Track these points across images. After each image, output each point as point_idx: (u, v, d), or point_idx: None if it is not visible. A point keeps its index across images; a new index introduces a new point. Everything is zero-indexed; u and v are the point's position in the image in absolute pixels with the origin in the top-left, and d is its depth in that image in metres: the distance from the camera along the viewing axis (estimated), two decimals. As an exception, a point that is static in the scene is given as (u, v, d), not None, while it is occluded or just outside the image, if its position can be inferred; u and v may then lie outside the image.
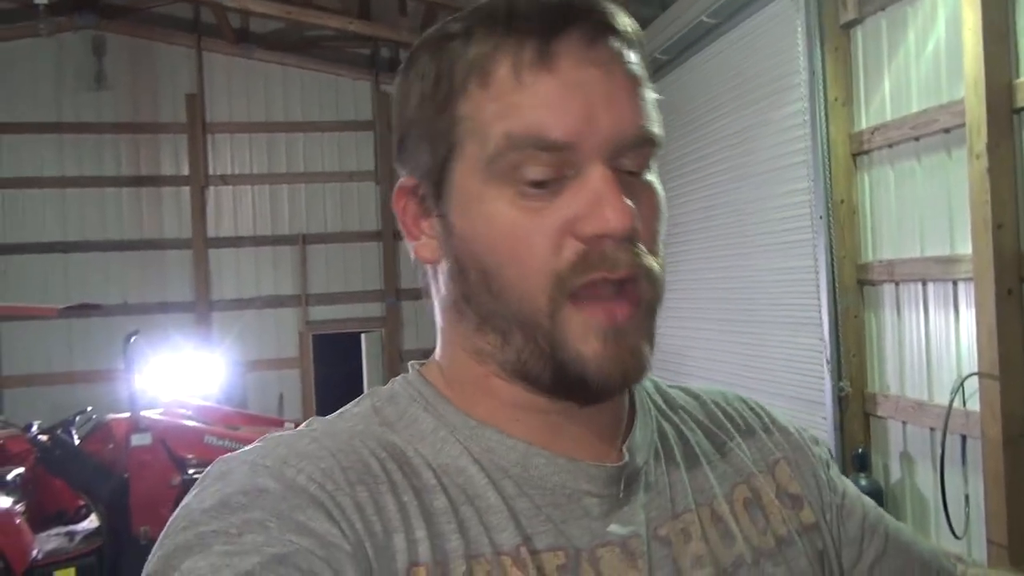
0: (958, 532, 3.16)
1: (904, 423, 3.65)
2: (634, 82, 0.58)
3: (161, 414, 5.06)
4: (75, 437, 4.77)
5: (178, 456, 4.67)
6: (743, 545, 0.64)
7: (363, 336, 8.68)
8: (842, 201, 3.90)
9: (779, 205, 4.33)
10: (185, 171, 8.40)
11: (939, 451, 3.23)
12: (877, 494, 3.64)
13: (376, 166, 8.79)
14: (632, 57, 0.59)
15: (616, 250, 0.56)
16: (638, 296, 0.58)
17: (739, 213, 4.67)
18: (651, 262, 0.58)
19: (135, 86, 8.32)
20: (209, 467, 0.56)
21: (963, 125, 3.05)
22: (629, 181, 0.57)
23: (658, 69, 5.34)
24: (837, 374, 3.92)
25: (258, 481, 0.52)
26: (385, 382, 0.68)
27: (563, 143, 0.55)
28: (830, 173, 3.90)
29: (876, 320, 3.85)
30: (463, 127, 0.58)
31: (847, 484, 0.77)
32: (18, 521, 4.30)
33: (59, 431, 4.71)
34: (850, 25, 3.87)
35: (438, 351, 0.67)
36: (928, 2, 3.36)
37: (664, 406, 0.72)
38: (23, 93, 8.01)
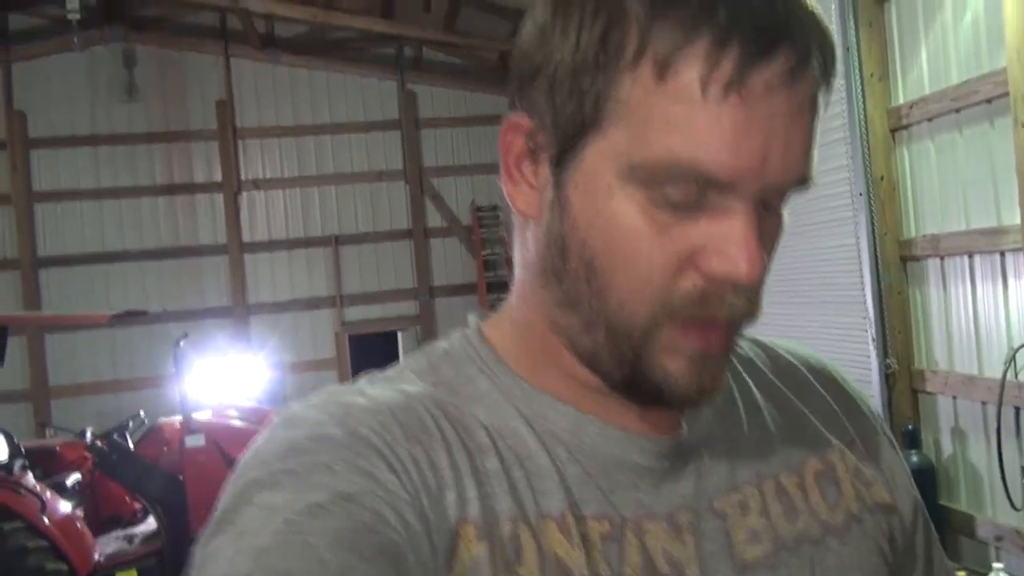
0: (1017, 504, 3.14)
1: (954, 398, 3.63)
2: (815, 125, 0.53)
3: (210, 416, 5.14)
4: (129, 441, 4.88)
5: (231, 457, 4.73)
6: (809, 520, 0.62)
7: (399, 334, 8.74)
8: (882, 178, 3.87)
9: (818, 183, 4.29)
10: (218, 177, 8.52)
11: (994, 424, 3.21)
12: (928, 470, 3.62)
13: (404, 165, 8.85)
14: (824, 93, 0.53)
15: (736, 296, 0.53)
16: (736, 330, 0.57)
17: (776, 194, 4.65)
18: (759, 307, 0.55)
19: (166, 96, 8.45)
20: (274, 417, 0.58)
21: (1006, 94, 3.02)
22: (763, 216, 0.54)
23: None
24: (883, 351, 3.90)
25: (323, 429, 0.54)
26: None
27: (725, 183, 0.51)
28: (868, 150, 3.87)
29: (921, 296, 3.83)
30: (617, 108, 0.51)
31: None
32: (79, 525, 4.41)
33: (114, 436, 4.82)
34: (884, -1, 3.84)
35: (513, 301, 0.64)
36: (964, -28, 3.34)
37: (737, 365, 0.68)
38: (58, 107, 8.16)
